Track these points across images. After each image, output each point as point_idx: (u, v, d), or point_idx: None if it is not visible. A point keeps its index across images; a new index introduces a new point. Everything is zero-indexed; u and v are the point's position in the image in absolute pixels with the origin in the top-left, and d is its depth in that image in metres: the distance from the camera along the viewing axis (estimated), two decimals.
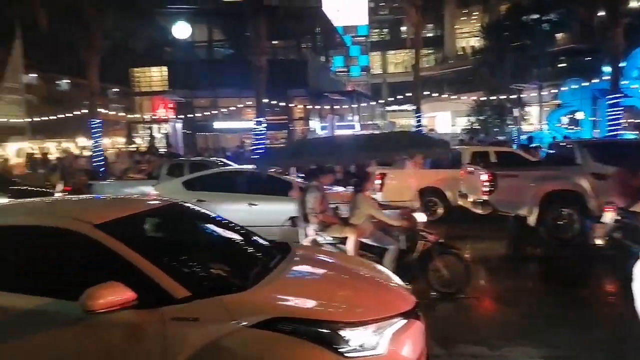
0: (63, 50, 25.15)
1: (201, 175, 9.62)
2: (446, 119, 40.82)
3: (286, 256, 3.51)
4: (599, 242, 5.46)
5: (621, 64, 16.61)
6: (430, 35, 43.86)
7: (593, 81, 20.88)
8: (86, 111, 21.52)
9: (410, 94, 26.89)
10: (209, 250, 3.64)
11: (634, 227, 4.39)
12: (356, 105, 30.57)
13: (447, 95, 33.11)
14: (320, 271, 3.54)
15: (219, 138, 27.87)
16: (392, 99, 35.38)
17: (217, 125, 27.01)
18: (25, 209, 3.66)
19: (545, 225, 8.41)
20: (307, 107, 28.08)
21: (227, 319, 2.63)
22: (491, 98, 26.50)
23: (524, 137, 21.98)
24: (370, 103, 35.63)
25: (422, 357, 3.03)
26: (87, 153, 23.77)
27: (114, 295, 2.58)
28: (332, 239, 5.63)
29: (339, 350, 2.62)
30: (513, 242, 9.28)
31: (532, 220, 8.47)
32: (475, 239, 9.01)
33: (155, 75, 30.07)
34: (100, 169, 17.52)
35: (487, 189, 8.55)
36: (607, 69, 18.37)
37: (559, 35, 30.00)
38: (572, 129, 23.61)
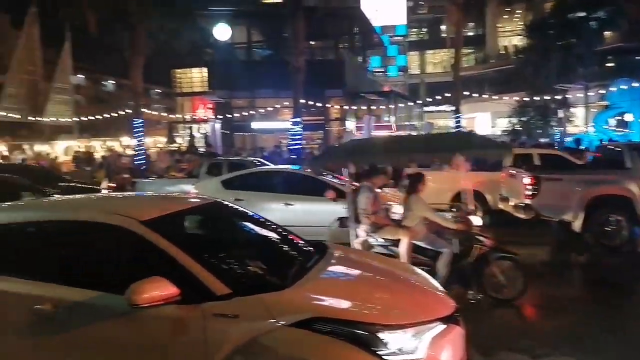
0: (109, 51, 26.13)
1: (239, 175, 9.77)
2: (486, 120, 39.90)
3: (323, 256, 3.51)
4: None
5: None
6: (471, 34, 42.96)
7: None
8: (130, 111, 22.29)
9: (449, 94, 26.46)
10: (248, 248, 3.68)
11: None
12: (393, 106, 30.31)
13: (487, 96, 32.34)
14: (358, 272, 3.52)
15: (256, 138, 28.22)
16: (430, 99, 34.85)
17: (254, 125, 27.36)
18: (74, 205, 3.81)
19: (592, 231, 8.10)
20: (344, 107, 28.05)
21: (266, 317, 2.66)
22: (534, 98, 25.69)
23: (569, 139, 21.22)
24: (408, 104, 35.23)
25: None
26: (129, 152, 24.57)
27: (158, 290, 2.64)
28: (383, 240, 5.55)
29: (377, 352, 2.60)
30: (557, 248, 8.97)
31: (577, 225, 8.16)
32: (516, 244, 8.74)
33: (196, 76, 30.77)
34: (142, 168, 18.07)
35: (530, 192, 8.30)
36: None
37: (607, 34, 28.75)
38: (621, 131, 22.60)
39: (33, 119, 22.85)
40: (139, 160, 19.06)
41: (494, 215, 10.20)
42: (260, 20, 28.11)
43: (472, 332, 3.33)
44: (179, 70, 30.83)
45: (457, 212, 5.80)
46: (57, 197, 5.01)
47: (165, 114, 37.19)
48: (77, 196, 4.84)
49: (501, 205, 9.92)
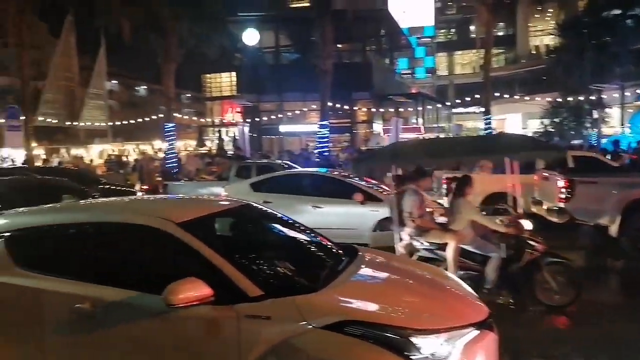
0: (141, 58, 26.83)
1: (268, 177, 9.88)
2: (516, 121, 39.08)
3: (354, 259, 3.51)
4: None
5: None
6: (501, 34, 42.18)
7: None
8: (162, 115, 22.82)
9: (478, 96, 26.05)
10: (279, 250, 3.72)
11: None
12: (421, 108, 30.07)
13: (518, 97, 31.68)
14: (390, 276, 3.51)
15: (283, 141, 28.45)
16: (459, 100, 34.38)
17: (282, 128, 27.59)
18: (113, 207, 3.93)
19: (628, 235, 7.82)
20: (371, 110, 28.00)
21: (298, 319, 2.68)
22: (568, 99, 25.02)
23: (604, 140, 20.58)
24: (436, 106, 34.87)
25: None
26: (161, 155, 25.11)
27: (193, 291, 2.70)
28: (429, 244, 5.47)
29: (410, 357, 2.59)
30: (592, 252, 8.71)
31: (613, 230, 7.91)
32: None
33: (225, 81, 31.33)
34: (174, 171, 18.44)
35: (564, 195, 8.09)
36: None
37: None
38: None
39: (70, 123, 23.63)
40: (171, 163, 19.48)
41: (527, 219, 9.97)
42: (288, 25, 28.37)
43: (505, 336, 3.27)
44: (208, 75, 31.43)
45: (507, 215, 5.67)
46: (96, 199, 5.15)
47: (195, 118, 37.95)
48: (115, 199, 4.99)
49: (534, 209, 9.70)
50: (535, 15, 42.38)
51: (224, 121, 33.21)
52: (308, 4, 27.46)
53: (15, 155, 19.33)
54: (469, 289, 3.67)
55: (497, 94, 27.21)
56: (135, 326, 2.94)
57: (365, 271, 3.37)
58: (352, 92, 25.57)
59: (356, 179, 9.65)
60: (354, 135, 27.71)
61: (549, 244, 5.56)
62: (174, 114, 22.46)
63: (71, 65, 23.42)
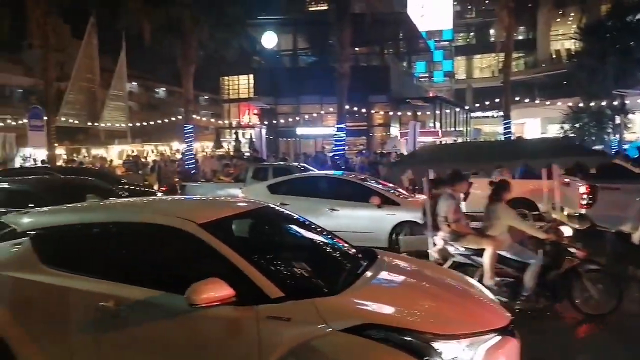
0: (160, 60, 27.20)
1: (285, 180, 9.91)
2: (535, 126, 38.55)
3: (373, 263, 3.51)
4: None
5: None
6: (521, 37, 41.72)
7: None
8: (180, 117, 23.07)
9: (497, 100, 25.79)
10: (299, 252, 3.73)
11: None
12: (438, 112, 29.88)
13: (538, 101, 31.26)
14: (409, 280, 3.49)
15: (300, 143, 28.52)
16: (478, 104, 34.07)
17: (299, 131, 27.67)
18: (136, 207, 4.00)
19: None
20: (388, 113, 27.91)
21: (318, 322, 2.69)
22: (590, 104, 24.60)
23: (626, 146, 20.17)
24: (455, 109, 34.61)
25: None
26: (178, 156, 25.39)
27: (216, 291, 2.73)
28: (464, 249, 5.40)
29: None
30: (614, 260, 8.52)
31: (636, 237, 7.69)
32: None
33: (242, 83, 31.52)
34: (193, 172, 18.63)
35: (586, 202, 7.96)
36: None
37: None
38: None
39: (90, 124, 24.04)
40: (189, 164, 19.67)
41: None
42: (306, 28, 28.49)
43: (526, 343, 3.23)
44: (226, 77, 31.66)
45: (548, 221, 5.59)
46: (119, 200, 5.23)
47: (212, 120, 38.29)
48: (138, 199, 5.06)
49: (554, 215, 9.56)
50: (557, 19, 41.82)
51: (240, 123, 33.44)
52: (326, 7, 27.55)
53: (37, 155, 19.74)
54: (490, 294, 3.63)
55: (516, 98, 26.87)
56: (157, 324, 2.98)
57: (385, 275, 3.36)
58: (369, 95, 25.53)
59: (373, 182, 9.63)
60: (370, 138, 27.65)
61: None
62: (192, 116, 22.70)
63: (93, 67, 23.84)
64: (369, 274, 3.29)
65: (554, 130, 30.58)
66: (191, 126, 20.95)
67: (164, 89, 42.79)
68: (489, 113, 35.21)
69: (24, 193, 6.73)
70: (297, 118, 26.87)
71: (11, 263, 3.45)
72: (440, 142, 23.89)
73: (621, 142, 22.28)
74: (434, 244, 5.58)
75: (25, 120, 19.12)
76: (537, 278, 5.12)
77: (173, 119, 28.31)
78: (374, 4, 22.28)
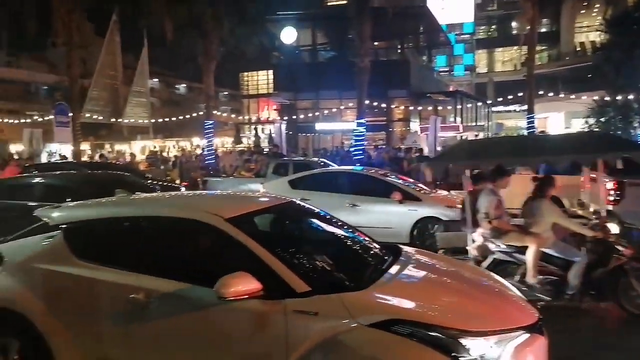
0: (181, 57, 27.49)
1: (306, 175, 9.93)
2: (559, 120, 37.80)
3: (398, 258, 3.51)
4: None
5: None
6: (544, 30, 40.86)
7: None
8: (201, 113, 23.29)
9: (520, 94, 25.35)
10: (324, 247, 3.74)
11: None
12: (459, 106, 29.55)
13: (562, 95, 30.62)
14: (435, 276, 3.49)
15: (319, 139, 28.54)
16: (500, 99, 33.57)
17: (318, 126, 27.68)
18: (164, 202, 4.07)
19: None
20: (408, 108, 27.71)
21: (345, 316, 2.70)
22: (616, 98, 24.00)
23: None
24: (477, 104, 34.17)
25: None
26: (199, 151, 25.64)
27: (244, 284, 2.77)
28: (506, 247, 5.31)
29: (459, 358, 2.57)
30: None
31: None
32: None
33: (262, 79, 31.62)
34: (214, 167, 18.81)
35: (613, 198, 7.79)
36: None
37: None
38: None
39: (114, 120, 24.44)
40: (209, 160, 19.87)
41: None
42: (325, 23, 28.43)
43: (555, 341, 3.19)
44: (246, 73, 31.79)
45: (596, 218, 5.46)
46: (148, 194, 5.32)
47: (233, 116, 38.52)
48: (166, 194, 5.14)
49: (580, 212, 9.38)
50: (581, 11, 40.82)
51: (260, 119, 33.58)
52: (345, 2, 27.42)
53: (62, 150, 20.16)
54: (518, 292, 3.60)
55: (540, 92, 26.36)
56: (186, 317, 3.04)
57: (410, 270, 3.36)
58: (389, 90, 25.38)
59: (393, 177, 9.58)
60: (390, 133, 27.50)
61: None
62: (213, 112, 22.90)
63: (116, 63, 24.19)
64: (394, 269, 3.29)
65: (578, 125, 29.95)
66: (212, 122, 21.14)
67: (185, 85, 43.24)
68: (511, 107, 34.63)
69: (57, 187, 6.90)
70: (317, 113, 26.88)
71: (44, 256, 3.54)
72: (462, 137, 23.61)
73: None
74: (473, 241, 5.47)
75: (51, 117, 19.54)
76: (582, 276, 5.01)
77: (194, 114, 28.61)
78: None
